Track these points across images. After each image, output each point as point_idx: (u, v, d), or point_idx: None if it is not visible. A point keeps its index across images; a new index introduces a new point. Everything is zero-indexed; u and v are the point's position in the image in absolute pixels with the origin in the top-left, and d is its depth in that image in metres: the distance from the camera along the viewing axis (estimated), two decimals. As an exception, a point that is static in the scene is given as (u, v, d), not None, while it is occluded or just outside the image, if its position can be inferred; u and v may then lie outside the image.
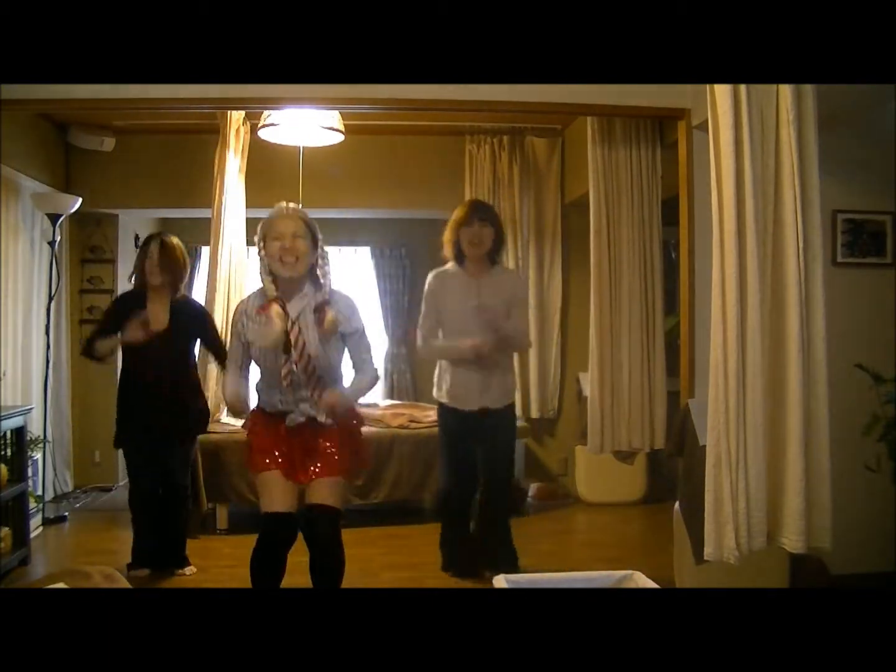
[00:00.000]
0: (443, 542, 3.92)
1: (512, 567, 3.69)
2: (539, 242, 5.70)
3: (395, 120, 5.16)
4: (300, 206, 2.75)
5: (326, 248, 2.75)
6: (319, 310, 2.66)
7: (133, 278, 3.88)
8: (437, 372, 3.84)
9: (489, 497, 3.80)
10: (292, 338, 2.64)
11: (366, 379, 2.81)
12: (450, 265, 3.74)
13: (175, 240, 3.82)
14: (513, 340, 3.69)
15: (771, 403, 2.48)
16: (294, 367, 2.64)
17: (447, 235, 3.70)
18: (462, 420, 3.71)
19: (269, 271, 2.68)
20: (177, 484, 3.88)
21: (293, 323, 2.65)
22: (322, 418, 2.71)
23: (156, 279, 3.73)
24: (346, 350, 2.80)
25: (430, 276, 3.75)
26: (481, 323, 3.53)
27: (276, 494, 2.71)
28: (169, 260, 3.73)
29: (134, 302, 3.77)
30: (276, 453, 2.73)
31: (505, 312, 3.64)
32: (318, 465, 2.71)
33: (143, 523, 3.87)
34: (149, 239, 3.81)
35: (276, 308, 2.65)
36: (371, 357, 2.83)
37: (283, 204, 2.73)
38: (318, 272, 2.70)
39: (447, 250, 3.71)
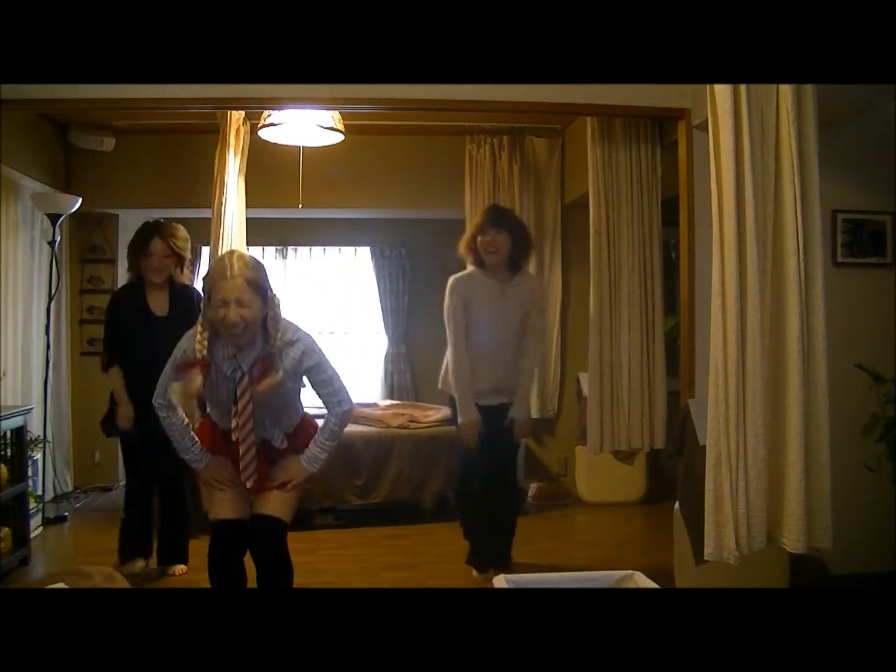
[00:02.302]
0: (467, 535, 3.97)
1: (503, 566, 3.75)
2: (539, 242, 5.68)
3: (395, 120, 5.16)
4: (247, 253, 2.54)
5: (279, 297, 2.56)
6: (260, 363, 2.51)
7: (129, 269, 3.88)
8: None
9: (495, 496, 3.82)
10: (240, 390, 2.50)
11: (332, 420, 2.62)
12: (470, 269, 3.79)
13: (178, 231, 3.79)
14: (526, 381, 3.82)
15: (771, 403, 2.48)
16: (245, 415, 2.53)
17: (465, 239, 3.77)
18: (482, 414, 3.76)
19: (206, 333, 2.48)
20: (175, 477, 3.85)
21: (243, 375, 2.51)
22: (278, 444, 2.65)
23: (157, 278, 3.74)
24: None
25: (451, 280, 3.74)
26: (500, 340, 3.69)
27: (225, 501, 2.63)
28: (170, 257, 3.74)
29: (133, 296, 3.78)
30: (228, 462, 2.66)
31: (520, 318, 3.73)
32: (271, 481, 2.63)
33: (136, 515, 3.85)
34: (147, 235, 3.75)
35: (273, 375, 2.51)
36: (337, 390, 2.61)
37: (227, 261, 2.45)
38: (269, 324, 2.50)
39: (464, 253, 3.77)
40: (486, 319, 3.70)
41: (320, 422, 2.69)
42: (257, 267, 2.48)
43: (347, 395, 2.64)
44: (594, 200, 4.16)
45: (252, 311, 2.43)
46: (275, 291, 2.55)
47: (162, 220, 3.86)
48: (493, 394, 3.74)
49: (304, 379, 2.63)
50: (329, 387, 2.60)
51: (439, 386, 3.91)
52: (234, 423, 2.56)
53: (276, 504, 2.62)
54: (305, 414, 2.78)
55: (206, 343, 2.47)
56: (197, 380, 2.62)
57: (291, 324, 2.60)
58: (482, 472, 3.76)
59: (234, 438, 2.58)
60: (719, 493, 2.44)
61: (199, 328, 2.48)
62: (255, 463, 2.59)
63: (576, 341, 5.54)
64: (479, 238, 3.68)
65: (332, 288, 6.64)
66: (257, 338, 2.53)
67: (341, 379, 2.63)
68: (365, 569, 4.03)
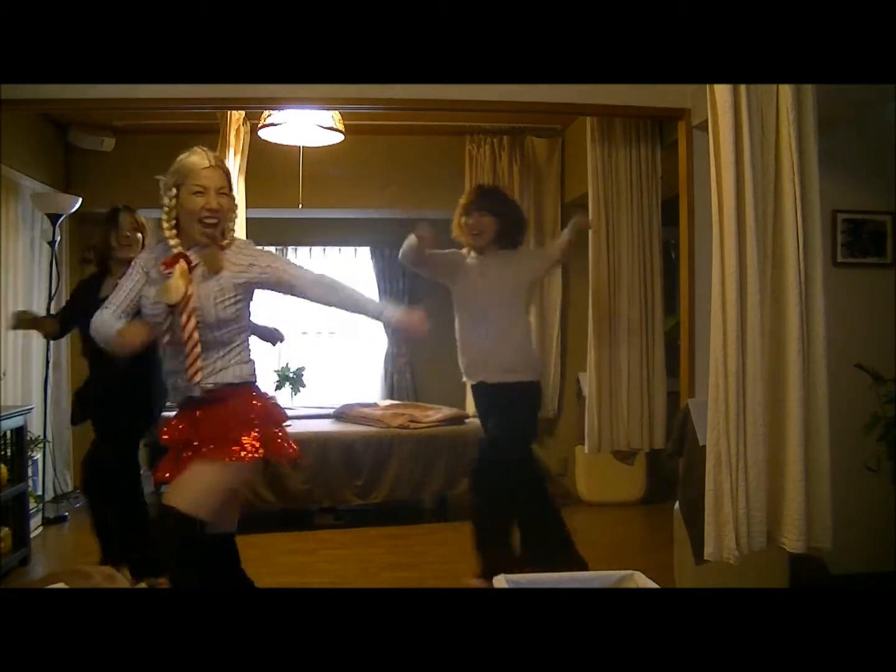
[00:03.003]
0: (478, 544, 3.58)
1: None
2: (539, 242, 5.68)
3: (395, 120, 5.16)
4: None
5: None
6: (210, 253, 2.37)
7: (92, 257, 3.73)
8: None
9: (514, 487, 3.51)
10: (191, 290, 2.36)
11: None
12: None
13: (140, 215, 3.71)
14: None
15: (771, 403, 2.48)
16: (185, 324, 2.34)
17: (454, 221, 3.66)
18: (476, 394, 3.63)
19: (173, 223, 2.39)
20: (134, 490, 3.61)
21: (192, 269, 2.38)
22: (216, 382, 2.39)
23: (122, 253, 3.55)
24: (247, 308, 2.50)
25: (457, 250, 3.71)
26: (480, 312, 3.49)
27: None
28: (137, 232, 3.60)
29: (91, 285, 3.65)
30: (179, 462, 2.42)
31: (523, 291, 3.57)
32: (187, 452, 2.37)
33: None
34: (115, 211, 3.65)
35: (182, 265, 2.35)
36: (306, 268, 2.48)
37: (202, 152, 2.39)
38: (226, 225, 2.44)
39: (457, 235, 3.65)
40: (470, 297, 3.55)
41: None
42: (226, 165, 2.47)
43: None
44: (594, 200, 4.16)
45: (227, 203, 2.40)
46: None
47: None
48: (502, 371, 3.48)
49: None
50: (299, 267, 2.51)
51: (463, 379, 3.72)
52: (170, 335, 2.38)
53: (177, 489, 2.36)
54: (254, 385, 2.53)
55: (176, 237, 2.39)
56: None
57: (248, 242, 2.55)
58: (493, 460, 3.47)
59: (168, 346, 2.38)
60: (719, 493, 2.44)
61: (165, 225, 2.40)
62: (199, 360, 2.37)
63: (576, 341, 5.54)
64: (463, 219, 3.57)
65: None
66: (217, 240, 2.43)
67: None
68: (365, 569, 4.03)
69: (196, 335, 2.36)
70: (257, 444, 2.39)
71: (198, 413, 2.42)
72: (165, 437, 2.46)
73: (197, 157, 2.38)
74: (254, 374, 2.50)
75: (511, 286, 3.54)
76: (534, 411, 3.64)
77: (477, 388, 3.64)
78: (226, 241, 2.43)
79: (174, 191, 2.37)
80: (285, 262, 2.52)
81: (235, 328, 2.45)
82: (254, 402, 2.46)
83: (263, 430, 2.43)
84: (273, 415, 2.51)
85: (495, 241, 3.57)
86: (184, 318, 2.33)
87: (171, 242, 2.38)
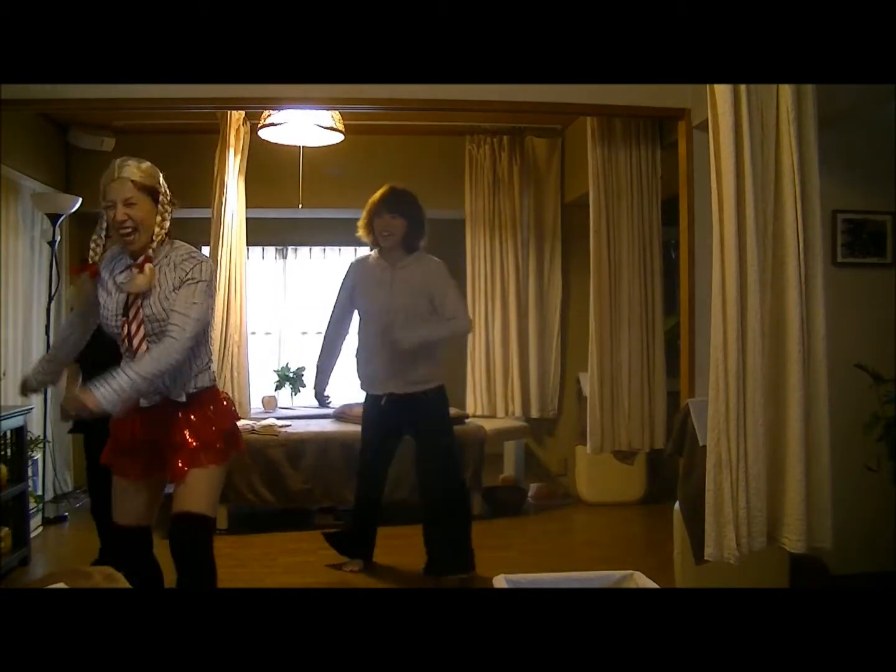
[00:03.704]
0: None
1: (462, 571, 3.64)
2: (539, 242, 5.70)
3: (395, 120, 5.16)
4: (141, 164, 2.42)
5: (172, 203, 2.48)
6: (146, 259, 2.40)
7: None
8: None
9: (426, 498, 3.77)
10: (132, 296, 2.41)
11: (155, 349, 2.35)
12: (372, 252, 3.75)
13: None
14: (432, 337, 3.58)
15: (771, 403, 2.48)
16: (133, 331, 2.40)
17: (361, 220, 3.68)
18: (374, 404, 3.77)
19: (108, 234, 2.49)
20: None
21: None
22: (175, 396, 2.47)
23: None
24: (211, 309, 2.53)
25: (350, 263, 3.81)
26: (387, 322, 3.55)
27: (124, 503, 2.55)
28: None
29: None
30: (129, 455, 2.51)
31: (426, 304, 3.59)
32: (180, 459, 2.44)
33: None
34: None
35: (149, 266, 2.40)
36: (184, 321, 2.35)
37: (114, 165, 2.41)
38: (158, 223, 2.44)
39: (362, 234, 3.69)
40: (376, 308, 3.62)
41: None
42: (145, 169, 2.43)
43: (188, 337, 2.35)
44: (594, 200, 4.16)
45: (139, 211, 2.39)
46: (170, 197, 2.48)
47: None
48: (405, 383, 3.62)
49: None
50: (182, 311, 2.37)
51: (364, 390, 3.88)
52: (124, 331, 2.42)
53: (194, 497, 2.45)
54: (216, 387, 2.61)
55: (99, 248, 2.50)
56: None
57: (195, 249, 2.54)
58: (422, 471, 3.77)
59: (122, 349, 2.44)
60: (719, 494, 2.44)
61: (94, 235, 2.50)
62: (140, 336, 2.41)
63: (576, 341, 5.54)
64: (374, 220, 3.62)
65: (332, 288, 6.63)
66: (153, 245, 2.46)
67: (198, 324, 2.39)
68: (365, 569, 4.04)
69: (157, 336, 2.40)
70: (239, 445, 2.61)
71: (180, 415, 2.48)
72: (128, 435, 2.51)
73: (107, 172, 2.41)
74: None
75: (417, 292, 3.59)
76: (446, 411, 3.81)
77: (384, 399, 3.72)
78: (153, 245, 2.43)
79: (103, 202, 2.44)
80: (197, 299, 2.42)
81: (203, 333, 2.51)
82: (225, 402, 2.61)
83: (236, 432, 2.62)
84: (236, 415, 2.69)
85: (402, 244, 3.63)
86: (131, 315, 2.41)
87: (91, 258, 2.50)
